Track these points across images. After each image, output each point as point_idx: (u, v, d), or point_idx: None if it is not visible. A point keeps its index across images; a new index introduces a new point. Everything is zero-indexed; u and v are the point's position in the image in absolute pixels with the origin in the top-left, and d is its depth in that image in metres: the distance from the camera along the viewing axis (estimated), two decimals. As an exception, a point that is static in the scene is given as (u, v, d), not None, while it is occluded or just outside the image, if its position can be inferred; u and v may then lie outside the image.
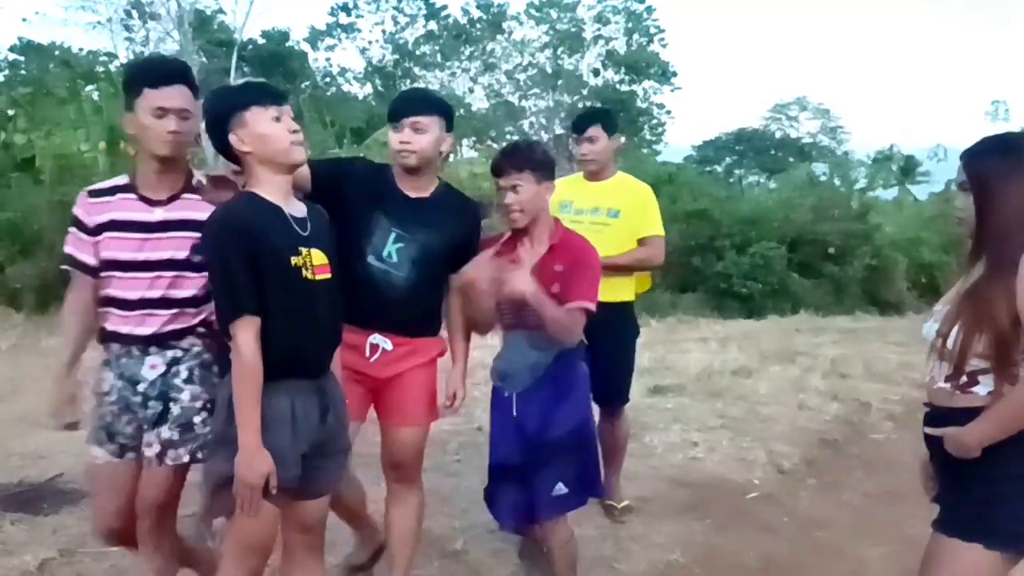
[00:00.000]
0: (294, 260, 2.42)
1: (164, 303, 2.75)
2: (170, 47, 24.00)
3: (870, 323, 15.38)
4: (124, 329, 2.77)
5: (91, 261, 2.77)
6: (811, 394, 7.74)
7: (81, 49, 27.07)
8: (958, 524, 2.29)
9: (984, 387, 2.25)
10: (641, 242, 4.25)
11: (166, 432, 2.75)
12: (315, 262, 2.47)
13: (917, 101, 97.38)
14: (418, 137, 3.03)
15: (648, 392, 7.58)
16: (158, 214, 2.75)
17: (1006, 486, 2.24)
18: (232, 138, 2.44)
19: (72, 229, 2.80)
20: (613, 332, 3.09)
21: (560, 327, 2.99)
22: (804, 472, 5.65)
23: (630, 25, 37.66)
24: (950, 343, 2.27)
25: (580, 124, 4.35)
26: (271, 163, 2.45)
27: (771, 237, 18.31)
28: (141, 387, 2.77)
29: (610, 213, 4.21)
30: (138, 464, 2.81)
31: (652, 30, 37.88)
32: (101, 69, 18.92)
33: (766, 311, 16.57)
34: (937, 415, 2.37)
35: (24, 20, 44.26)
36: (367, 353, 3.09)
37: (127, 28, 27.21)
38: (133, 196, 2.76)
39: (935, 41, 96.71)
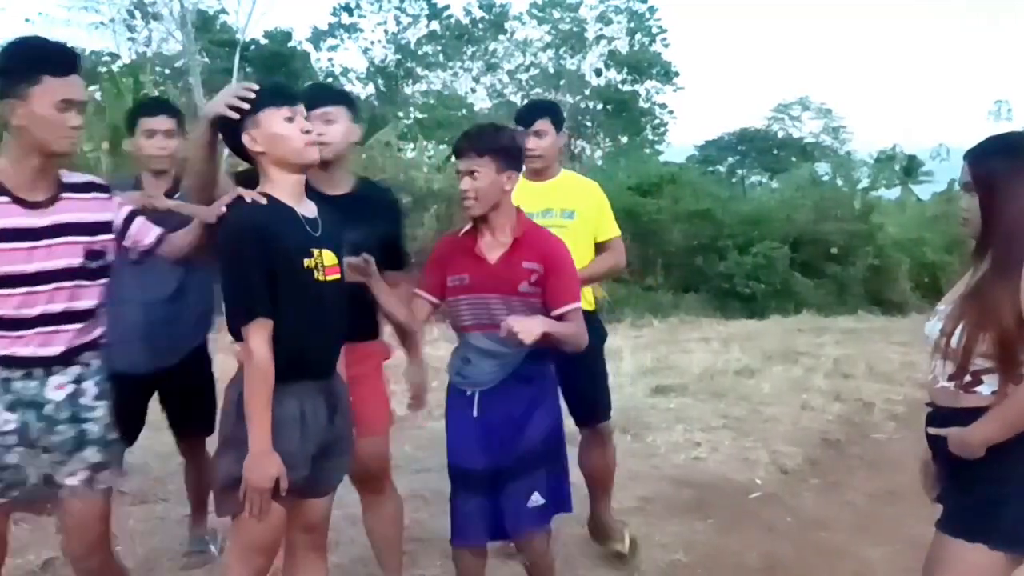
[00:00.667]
0: (306, 262, 2.41)
1: (67, 317, 2.47)
2: (172, 47, 24.06)
3: (873, 323, 15.35)
4: (24, 351, 2.43)
5: None
6: (814, 394, 7.73)
7: (84, 50, 27.04)
8: (962, 524, 2.28)
9: (988, 387, 2.25)
10: (601, 246, 3.90)
11: (93, 455, 2.54)
12: (326, 263, 2.46)
13: (919, 101, 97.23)
14: (329, 128, 2.93)
15: (650, 392, 7.58)
16: (44, 218, 2.42)
17: (1010, 486, 2.23)
18: (245, 138, 2.42)
19: None
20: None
21: (571, 339, 2.88)
22: (807, 472, 5.65)
23: (632, 25, 37.68)
24: (954, 342, 2.26)
25: (527, 116, 3.87)
26: (284, 163, 2.44)
27: (774, 237, 18.34)
28: (47, 410, 2.47)
29: (564, 214, 3.81)
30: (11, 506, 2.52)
31: (654, 30, 37.89)
32: (104, 70, 18.92)
33: (768, 311, 16.58)
34: (940, 415, 2.36)
35: (27, 20, 44.03)
36: None
37: (130, 28, 27.26)
38: (6, 199, 2.39)
39: (937, 41, 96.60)
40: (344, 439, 2.65)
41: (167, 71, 24.00)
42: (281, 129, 2.42)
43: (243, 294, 2.35)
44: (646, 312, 15.21)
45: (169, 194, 3.41)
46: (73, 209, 2.48)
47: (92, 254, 2.51)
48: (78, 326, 2.49)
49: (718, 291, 17.75)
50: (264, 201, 2.40)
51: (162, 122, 3.57)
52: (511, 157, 2.88)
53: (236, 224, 2.36)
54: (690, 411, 6.91)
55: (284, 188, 2.45)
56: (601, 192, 3.98)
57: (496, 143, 2.86)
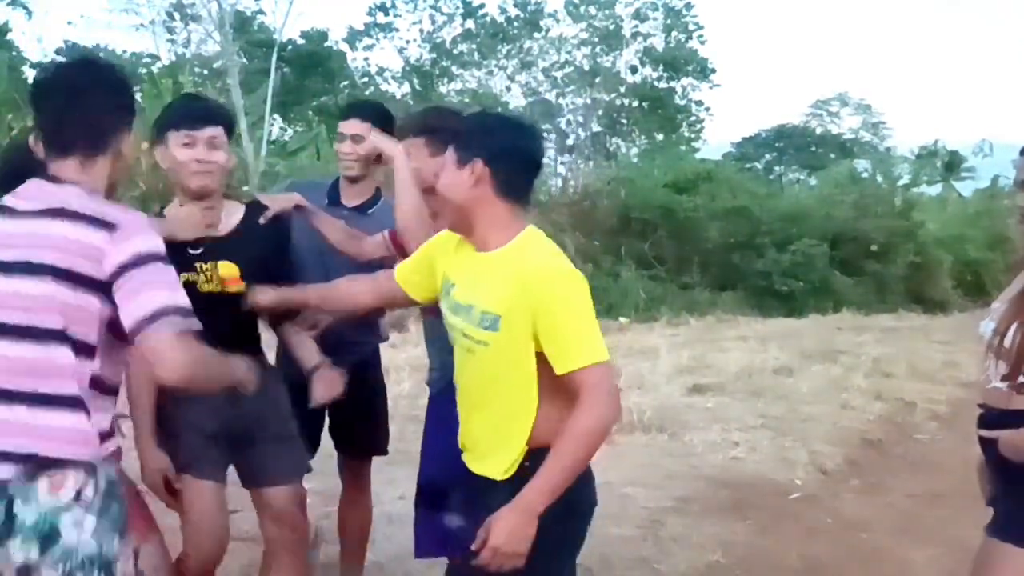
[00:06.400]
0: (185, 276, 2.30)
1: None
2: (211, 48, 24.30)
3: (914, 321, 15.17)
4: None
5: None
6: (854, 393, 7.65)
7: (124, 51, 27.42)
8: (1013, 529, 2.23)
9: (1042, 388, 2.19)
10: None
11: None
12: (222, 274, 2.45)
13: (961, 96, 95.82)
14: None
15: (687, 391, 7.53)
16: None
17: (1062, 490, 2.18)
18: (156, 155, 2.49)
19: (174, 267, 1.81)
20: None
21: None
22: (847, 473, 5.58)
23: (669, 22, 37.41)
24: (1007, 342, 2.21)
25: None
26: (177, 187, 2.50)
27: (812, 235, 18.18)
28: None
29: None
30: None
31: (691, 27, 37.61)
32: (144, 71, 19.17)
33: (807, 309, 16.46)
34: (992, 416, 2.30)
35: (69, 23, 44.88)
36: None
37: (169, 30, 27.55)
38: None
39: (979, 34, 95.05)
40: (272, 422, 2.56)
41: (205, 72, 24.17)
42: (177, 155, 2.42)
43: None
44: (683, 310, 15.15)
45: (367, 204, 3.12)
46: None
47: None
48: None
49: (756, 289, 17.62)
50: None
51: (351, 126, 3.04)
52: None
53: None
54: (728, 410, 6.86)
55: (181, 214, 2.49)
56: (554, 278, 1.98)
57: None
